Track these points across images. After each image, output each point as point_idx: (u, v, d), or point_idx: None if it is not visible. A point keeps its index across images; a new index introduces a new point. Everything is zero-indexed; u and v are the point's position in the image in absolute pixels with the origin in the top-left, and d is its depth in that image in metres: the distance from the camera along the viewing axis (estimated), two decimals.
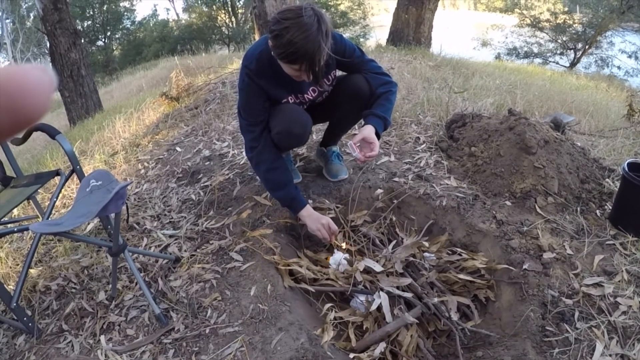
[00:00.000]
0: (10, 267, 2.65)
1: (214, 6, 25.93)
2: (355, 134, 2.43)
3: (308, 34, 1.84)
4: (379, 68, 2.38)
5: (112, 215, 1.99)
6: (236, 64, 6.86)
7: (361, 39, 20.47)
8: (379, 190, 2.56)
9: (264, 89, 2.19)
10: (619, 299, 1.82)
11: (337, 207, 2.49)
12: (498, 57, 18.23)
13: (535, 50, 18.66)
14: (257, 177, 2.83)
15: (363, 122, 2.24)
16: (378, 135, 2.15)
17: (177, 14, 31.97)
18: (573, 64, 16.81)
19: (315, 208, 2.42)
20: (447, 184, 2.59)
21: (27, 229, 2.31)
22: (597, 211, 2.35)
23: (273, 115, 2.30)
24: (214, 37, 24.78)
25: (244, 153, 3.30)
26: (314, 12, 1.87)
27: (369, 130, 2.13)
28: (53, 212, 2.75)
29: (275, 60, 2.07)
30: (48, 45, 7.71)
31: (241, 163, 3.16)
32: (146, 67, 17.29)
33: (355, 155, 2.12)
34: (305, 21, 1.84)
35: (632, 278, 1.92)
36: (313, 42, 1.85)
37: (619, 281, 1.90)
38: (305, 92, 2.33)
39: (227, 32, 24.98)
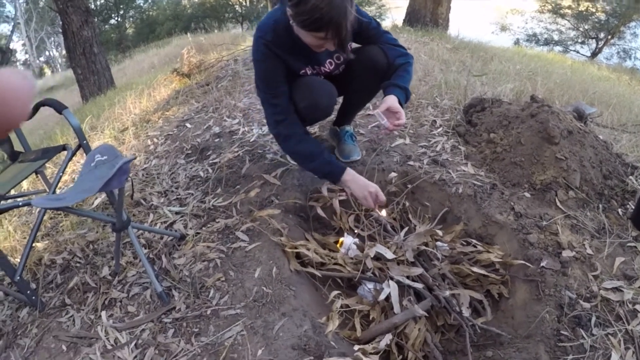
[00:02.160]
0: (18, 241, 2.65)
1: None
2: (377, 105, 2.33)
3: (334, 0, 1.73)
4: (394, 40, 2.31)
5: (116, 190, 1.94)
6: (249, 42, 6.81)
7: (377, 20, 20.27)
8: (393, 174, 2.48)
9: (282, 59, 2.11)
10: (637, 307, 1.74)
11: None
12: (517, 42, 18.03)
13: (556, 37, 18.42)
14: (272, 156, 2.82)
15: (384, 93, 2.16)
16: (401, 106, 2.08)
17: None
18: (594, 54, 16.58)
19: (329, 190, 2.37)
20: (464, 171, 2.50)
21: (29, 204, 2.29)
22: (619, 210, 2.26)
23: (295, 90, 2.23)
24: (227, 15, 24.68)
25: (254, 130, 3.24)
26: None
27: (392, 99, 2.07)
28: (60, 186, 2.76)
29: (292, 31, 1.98)
30: (61, 23, 7.76)
31: (251, 140, 3.11)
32: (159, 45, 17.34)
33: (384, 124, 2.05)
34: None
35: None
36: (339, 7, 1.74)
37: (639, 287, 1.81)
38: (322, 64, 2.26)
39: (240, 11, 24.85)
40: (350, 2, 1.78)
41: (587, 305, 1.75)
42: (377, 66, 2.25)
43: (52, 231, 2.71)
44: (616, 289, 1.80)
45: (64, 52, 36.83)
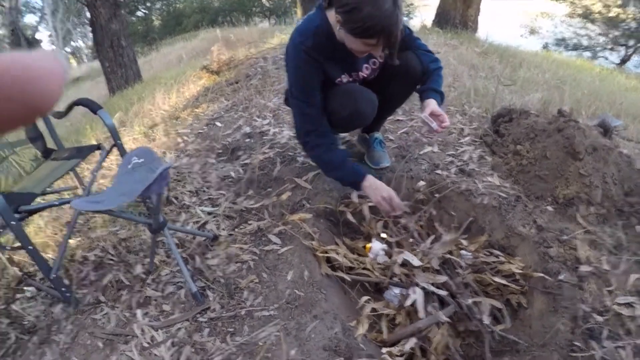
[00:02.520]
0: (49, 237, 2.68)
1: None
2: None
3: (386, 7, 1.78)
4: (425, 46, 2.38)
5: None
6: (277, 39, 6.83)
7: (405, 18, 20.13)
8: (421, 182, 2.55)
9: (321, 66, 2.15)
10: None
11: None
12: (546, 46, 17.78)
13: (585, 43, 18.12)
14: (303, 159, 2.87)
15: (422, 98, 2.23)
16: None
17: None
18: (623, 61, 16.30)
19: (359, 196, 2.42)
20: (490, 182, 2.56)
21: (68, 202, 2.32)
22: (638, 227, 2.29)
23: (334, 98, 2.27)
24: (254, 10, 24.61)
25: (284, 132, 3.30)
26: None
27: (434, 103, 2.15)
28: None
29: (333, 37, 2.05)
30: (88, 15, 7.80)
31: (282, 142, 3.17)
32: (185, 38, 17.30)
33: (433, 127, 2.11)
34: None
35: None
36: (391, 15, 1.79)
37: None
38: (360, 69, 2.28)
39: (267, 5, 24.80)
40: (399, 9, 1.82)
41: (600, 318, 1.81)
42: (413, 72, 2.30)
43: (84, 227, 2.76)
44: (629, 305, 1.86)
45: (90, 43, 36.98)
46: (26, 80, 0.35)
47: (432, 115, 2.12)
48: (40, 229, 2.74)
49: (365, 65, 2.29)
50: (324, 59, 2.13)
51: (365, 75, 2.33)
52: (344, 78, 2.27)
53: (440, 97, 2.23)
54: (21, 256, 2.56)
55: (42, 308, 2.22)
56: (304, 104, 2.22)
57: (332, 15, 2.00)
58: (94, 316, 2.09)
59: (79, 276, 2.35)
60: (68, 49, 40.29)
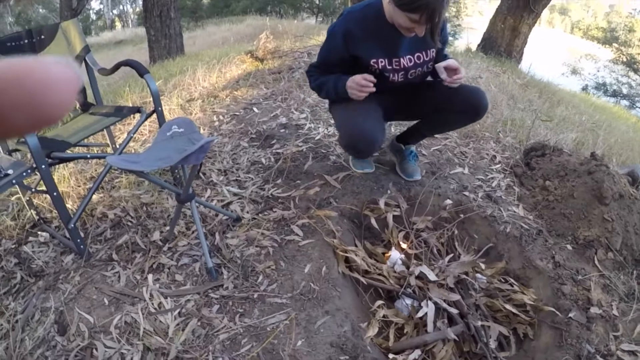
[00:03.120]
0: (72, 187, 2.73)
1: None
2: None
3: None
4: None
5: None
6: (322, 37, 6.89)
7: (450, 38, 20.15)
8: (448, 201, 2.58)
9: (354, 45, 2.20)
10: None
11: (403, 207, 2.52)
12: (585, 88, 17.65)
13: (625, 91, 17.93)
14: (335, 158, 2.92)
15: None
16: None
17: None
18: None
19: (386, 204, 2.48)
20: (515, 212, 2.59)
21: (103, 157, 2.40)
22: None
23: (341, 117, 2.36)
24: (304, 5, 24.71)
25: (320, 129, 3.37)
26: None
27: (452, 61, 2.21)
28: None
29: (382, 17, 2.12)
30: None
31: (316, 138, 3.22)
32: (232, 21, 17.49)
33: (443, 77, 2.19)
34: None
35: None
36: None
37: None
38: (402, 56, 2.27)
39: (317, 2, 24.88)
40: None
41: None
42: (478, 110, 2.37)
43: (107, 186, 2.80)
44: (632, 352, 1.88)
45: (137, 9, 37.43)
46: (37, 88, 0.33)
47: (449, 69, 2.19)
48: (65, 179, 2.78)
49: (409, 56, 2.29)
50: (365, 35, 2.18)
51: (407, 66, 2.30)
52: (382, 62, 2.26)
53: None
54: (40, 200, 2.61)
55: (52, 255, 2.25)
56: (319, 59, 2.36)
57: (387, 3, 2.07)
58: (104, 272, 2.12)
59: (95, 231, 2.38)
60: (115, 11, 40.65)
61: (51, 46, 2.58)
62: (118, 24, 38.40)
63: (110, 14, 37.03)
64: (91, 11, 36.76)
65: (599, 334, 1.94)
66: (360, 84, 2.14)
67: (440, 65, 2.20)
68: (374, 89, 2.16)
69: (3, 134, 0.35)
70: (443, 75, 2.18)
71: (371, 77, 2.15)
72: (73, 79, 0.35)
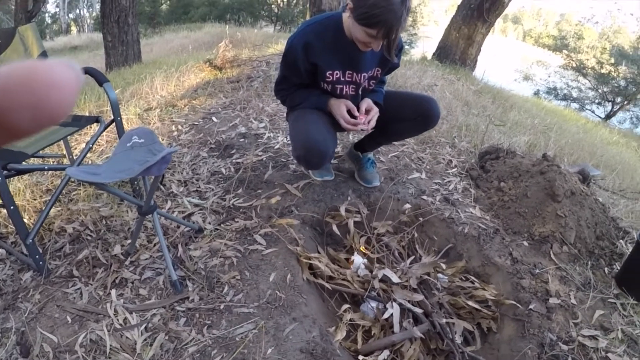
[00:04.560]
0: (28, 201, 2.64)
1: None
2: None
3: (394, 3, 1.88)
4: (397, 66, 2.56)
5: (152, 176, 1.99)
6: (281, 45, 6.91)
7: (406, 47, 20.46)
8: (407, 205, 2.64)
9: (313, 55, 2.23)
10: (609, 355, 1.89)
11: (364, 213, 2.56)
12: (537, 93, 18.20)
13: (575, 94, 18.53)
14: (295, 167, 2.94)
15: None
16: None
17: None
18: (608, 116, 16.69)
19: (347, 210, 2.51)
20: (472, 213, 2.67)
21: (62, 169, 2.30)
22: (606, 269, 2.43)
23: (294, 128, 2.39)
24: (262, 13, 24.72)
25: (279, 138, 3.39)
26: None
27: (370, 101, 2.38)
28: (76, 155, 2.72)
29: (340, 31, 2.18)
30: None
31: (275, 147, 3.24)
32: (190, 28, 17.35)
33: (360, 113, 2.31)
34: None
35: (626, 338, 2.00)
36: (395, 12, 1.89)
37: (613, 338, 1.98)
38: (361, 71, 2.32)
39: (276, 11, 24.95)
40: (407, 11, 1.94)
41: (565, 347, 1.91)
42: (432, 119, 2.46)
43: (65, 199, 2.72)
44: (592, 337, 1.97)
45: (94, 13, 36.61)
46: (40, 89, 0.33)
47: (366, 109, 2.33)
48: (20, 191, 2.69)
49: (364, 73, 2.35)
50: (323, 45, 2.22)
51: (359, 81, 2.36)
52: (336, 74, 2.31)
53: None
54: None
55: (9, 273, 2.16)
56: (281, 74, 2.39)
57: (346, 16, 2.12)
58: (65, 289, 2.05)
59: (54, 247, 2.31)
60: (71, 15, 39.65)
61: (7, 51, 2.50)
62: (74, 29, 37.56)
63: (66, 17, 36.13)
64: (47, 14, 35.68)
65: (560, 322, 2.02)
66: (349, 122, 2.26)
67: (362, 104, 2.32)
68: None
69: (8, 137, 0.35)
70: (362, 110, 2.31)
71: (355, 112, 2.28)
72: (74, 80, 0.36)
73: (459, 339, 2.00)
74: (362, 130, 2.29)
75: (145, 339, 1.81)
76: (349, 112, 2.30)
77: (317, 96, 2.31)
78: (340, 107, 2.28)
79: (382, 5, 1.88)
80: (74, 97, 0.36)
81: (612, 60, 18.10)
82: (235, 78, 5.08)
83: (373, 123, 2.28)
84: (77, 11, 40.90)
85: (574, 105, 17.74)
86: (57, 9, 35.81)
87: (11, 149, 2.20)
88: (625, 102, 16.81)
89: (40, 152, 2.32)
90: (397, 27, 1.94)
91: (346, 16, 2.11)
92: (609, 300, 2.21)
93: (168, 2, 27.85)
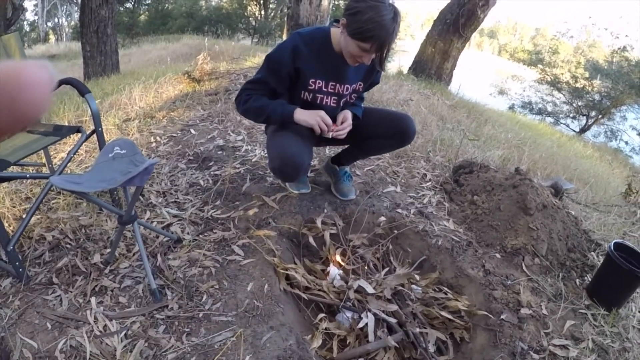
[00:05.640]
0: (7, 208, 2.65)
1: None
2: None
3: (386, 19, 1.99)
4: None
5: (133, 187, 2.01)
6: (258, 58, 6.95)
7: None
8: (382, 218, 2.69)
9: (299, 59, 2.27)
10: None
11: (340, 225, 2.60)
12: (512, 108, 18.45)
13: (549, 108, 18.79)
14: (272, 179, 2.96)
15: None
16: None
17: None
18: (583, 130, 16.96)
19: (323, 222, 2.55)
20: (445, 226, 2.72)
21: (46, 177, 2.32)
22: (577, 280, 2.49)
23: (271, 141, 2.45)
24: (240, 26, 24.86)
25: (257, 151, 3.42)
26: (392, 6, 2.03)
27: (349, 112, 2.45)
28: (57, 164, 2.72)
29: (328, 42, 2.26)
30: None
31: (253, 160, 3.27)
32: (168, 39, 17.36)
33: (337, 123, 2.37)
34: (385, 7, 1.99)
35: (596, 347, 2.06)
36: (387, 27, 2.00)
37: (584, 348, 2.04)
38: (345, 83, 2.39)
39: (254, 24, 25.08)
40: (397, 27, 2.05)
41: (536, 356, 1.96)
42: (408, 136, 2.55)
43: (44, 207, 2.73)
44: (563, 347, 2.03)
45: (73, 22, 36.34)
46: (17, 89, 0.34)
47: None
48: None
49: (347, 85, 2.41)
50: (310, 53, 2.28)
51: (342, 93, 2.42)
52: (319, 83, 2.36)
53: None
54: None
55: None
56: (259, 81, 2.35)
57: (336, 31, 2.22)
58: (45, 296, 2.06)
59: (33, 254, 2.31)
60: (50, 24, 39.28)
61: None
62: (52, 37, 37.21)
63: (45, 26, 35.81)
64: (25, 22, 35.39)
65: (531, 332, 2.08)
66: (320, 125, 2.29)
67: (339, 115, 2.40)
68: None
69: None
70: (338, 121, 2.39)
71: (328, 119, 2.30)
72: (49, 80, 0.37)
73: (432, 348, 2.04)
74: (331, 137, 2.33)
75: (125, 346, 1.83)
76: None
77: (282, 105, 2.33)
78: (313, 112, 2.30)
79: (375, 20, 1.98)
80: (49, 96, 0.37)
81: (587, 75, 18.44)
82: (214, 91, 5.10)
83: (343, 134, 2.35)
84: (56, 20, 40.60)
85: (549, 119, 17.99)
86: (36, 17, 35.53)
87: None
88: (600, 116, 17.10)
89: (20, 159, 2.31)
90: (389, 41, 2.05)
91: (338, 31, 2.19)
92: (580, 310, 2.27)
93: (146, 12, 27.84)
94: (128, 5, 26.70)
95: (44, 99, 0.36)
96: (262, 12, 26.10)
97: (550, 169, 4.45)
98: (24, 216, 2.24)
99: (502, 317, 2.14)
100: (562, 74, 19.21)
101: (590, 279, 2.48)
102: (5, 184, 2.86)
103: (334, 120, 2.39)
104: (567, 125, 17.95)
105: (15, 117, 0.35)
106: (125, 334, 1.88)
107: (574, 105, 18.00)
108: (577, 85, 17.87)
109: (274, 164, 2.38)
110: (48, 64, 0.38)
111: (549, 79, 18.85)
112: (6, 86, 0.34)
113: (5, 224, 2.47)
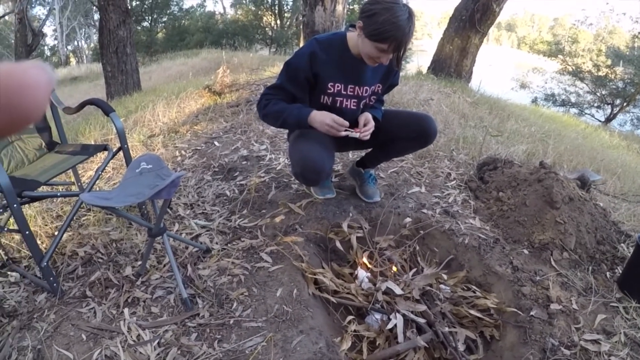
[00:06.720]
0: (40, 226, 2.72)
1: (261, 6, 26.26)
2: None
3: (402, 19, 2.03)
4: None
5: (161, 200, 2.07)
6: (277, 68, 7.00)
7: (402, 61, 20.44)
8: (408, 219, 2.70)
9: (317, 65, 2.32)
10: (612, 358, 1.92)
11: (366, 228, 2.62)
12: (535, 101, 18.22)
13: (573, 99, 18.55)
14: (297, 186, 3.00)
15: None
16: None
17: (224, 8, 32.47)
18: (608, 119, 16.67)
19: (349, 226, 2.57)
20: (472, 224, 2.72)
21: (75, 195, 2.39)
22: (607, 273, 2.45)
23: (293, 146, 2.47)
24: (257, 37, 25.06)
25: (281, 159, 3.45)
26: (407, 6, 2.07)
27: (369, 115, 2.44)
28: (86, 182, 2.80)
29: (345, 46, 2.31)
30: (95, 17, 8.07)
31: (277, 168, 3.31)
32: (187, 55, 17.59)
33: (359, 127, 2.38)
34: (399, 8, 2.03)
35: (629, 341, 2.02)
36: (404, 27, 2.04)
37: (616, 342, 2.00)
38: (364, 84, 2.43)
39: (270, 34, 25.27)
40: (413, 27, 2.09)
41: (567, 352, 1.94)
42: (430, 137, 2.57)
43: (75, 224, 2.80)
44: (595, 341, 1.99)
45: (92, 44, 37.07)
46: (15, 90, 0.34)
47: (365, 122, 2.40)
48: (31, 218, 2.77)
49: (366, 87, 2.45)
50: (328, 58, 2.33)
51: (361, 94, 2.47)
52: (337, 86, 2.41)
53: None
54: (7, 240, 2.61)
55: (24, 295, 2.23)
56: (279, 81, 2.42)
57: (352, 34, 2.28)
58: (79, 309, 2.11)
59: (67, 269, 2.39)
60: (70, 47, 40.10)
61: None
62: (73, 60, 37.96)
63: (65, 49, 36.51)
64: (46, 47, 36.17)
65: (561, 327, 2.06)
66: (333, 127, 2.29)
67: (361, 118, 2.41)
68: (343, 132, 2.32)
69: None
70: (360, 124, 2.39)
71: (341, 120, 2.30)
72: (47, 81, 0.38)
73: (462, 347, 2.04)
74: (358, 136, 2.35)
75: (158, 354, 1.88)
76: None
77: (299, 108, 2.36)
78: (323, 119, 2.32)
79: (391, 21, 2.02)
80: (47, 98, 0.37)
81: (609, 62, 18.15)
82: (235, 102, 5.17)
83: (367, 135, 2.36)
84: (76, 43, 41.40)
85: (573, 110, 17.76)
86: (56, 42, 36.25)
87: (24, 178, 2.30)
88: (625, 104, 16.79)
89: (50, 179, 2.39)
90: (406, 41, 2.09)
91: (354, 35, 2.24)
92: (611, 304, 2.24)
93: (164, 30, 28.24)
94: (145, 24, 27.14)
95: (43, 100, 0.37)
96: (278, 22, 26.32)
97: (576, 161, 4.39)
98: (56, 233, 2.31)
99: (532, 313, 2.12)
100: (584, 63, 18.96)
101: (620, 271, 2.44)
102: (36, 204, 2.94)
103: (356, 124, 2.41)
104: (592, 115, 17.67)
105: (15, 117, 0.36)
106: (158, 343, 1.93)
107: (598, 94, 17.72)
108: (600, 73, 17.60)
109: (295, 169, 2.43)
110: (47, 66, 0.39)
111: (570, 69, 18.61)
112: (6, 87, 0.35)
113: (38, 242, 2.51)
